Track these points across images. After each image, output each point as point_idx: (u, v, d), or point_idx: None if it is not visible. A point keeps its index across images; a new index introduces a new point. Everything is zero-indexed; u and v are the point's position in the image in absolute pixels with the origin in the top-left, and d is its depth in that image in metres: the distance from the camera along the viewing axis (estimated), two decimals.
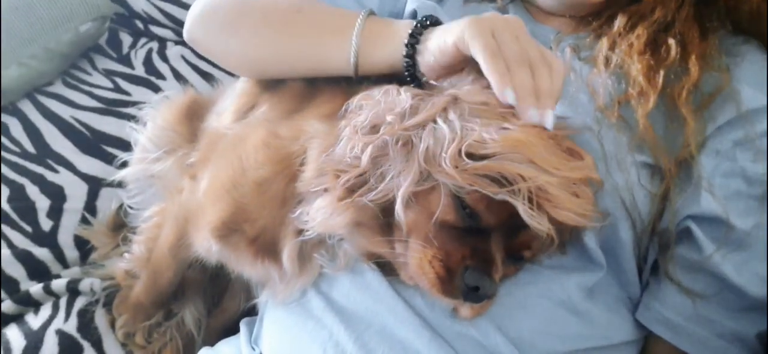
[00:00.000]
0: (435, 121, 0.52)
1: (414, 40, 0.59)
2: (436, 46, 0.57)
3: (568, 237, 0.56)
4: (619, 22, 0.63)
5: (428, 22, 0.61)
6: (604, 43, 0.62)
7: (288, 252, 0.59)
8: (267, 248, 0.60)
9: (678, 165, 0.58)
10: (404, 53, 0.59)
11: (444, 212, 0.50)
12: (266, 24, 0.67)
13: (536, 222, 0.47)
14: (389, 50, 0.61)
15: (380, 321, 0.56)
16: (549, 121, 0.51)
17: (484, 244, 0.50)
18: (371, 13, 0.64)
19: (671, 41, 0.59)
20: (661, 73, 0.58)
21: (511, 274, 0.55)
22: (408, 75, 0.61)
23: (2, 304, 0.83)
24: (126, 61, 1.23)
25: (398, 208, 0.50)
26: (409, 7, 0.75)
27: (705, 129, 0.58)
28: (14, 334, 0.79)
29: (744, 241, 0.58)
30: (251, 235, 0.60)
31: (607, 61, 0.61)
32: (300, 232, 0.57)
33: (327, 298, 0.59)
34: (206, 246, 0.64)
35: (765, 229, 0.58)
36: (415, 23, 0.61)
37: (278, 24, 0.66)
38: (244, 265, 0.63)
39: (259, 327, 0.67)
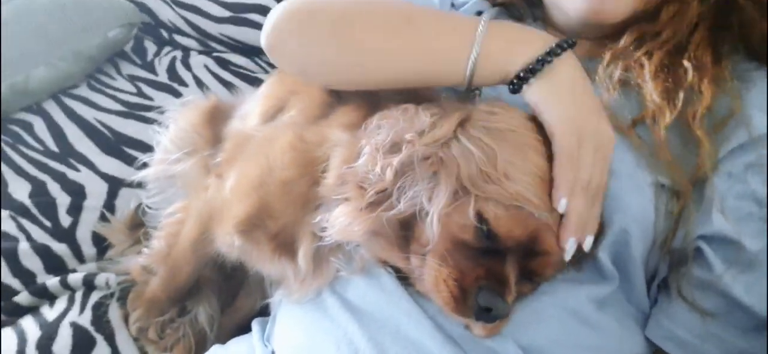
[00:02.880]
0: (457, 138, 0.53)
1: (539, 65, 0.56)
2: (537, 93, 0.56)
3: (584, 255, 0.57)
4: (627, 38, 0.64)
5: (566, 46, 0.57)
6: (616, 63, 0.63)
7: (303, 252, 0.60)
8: (286, 246, 0.62)
9: (693, 185, 0.59)
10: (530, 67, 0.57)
11: (462, 231, 0.51)
12: (373, 29, 0.62)
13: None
14: (523, 58, 0.57)
15: (394, 322, 0.57)
16: (587, 245, 0.54)
17: (499, 266, 0.51)
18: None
19: (687, 64, 0.60)
20: (681, 95, 0.59)
21: (527, 293, 0.56)
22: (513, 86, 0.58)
23: (19, 296, 0.85)
24: (150, 67, 1.26)
25: (432, 225, 0.51)
26: None
27: (718, 152, 0.59)
28: (30, 325, 0.80)
29: (754, 262, 0.58)
30: (273, 231, 0.62)
31: (621, 81, 0.62)
32: (318, 235, 0.59)
33: (342, 298, 0.60)
34: (229, 241, 0.65)
35: None
36: (553, 44, 0.57)
37: (387, 30, 0.62)
38: (263, 262, 0.64)
39: (272, 326, 0.68)
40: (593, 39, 0.72)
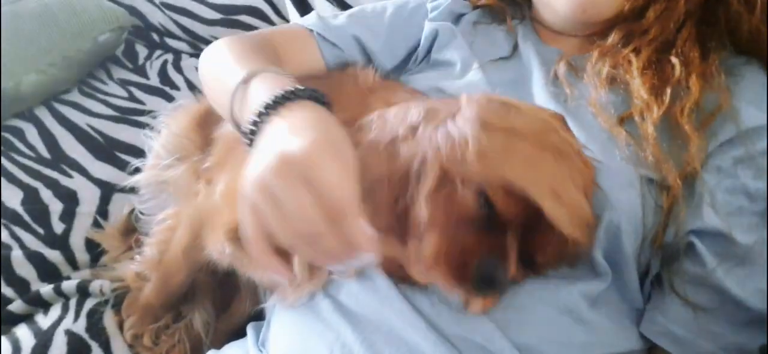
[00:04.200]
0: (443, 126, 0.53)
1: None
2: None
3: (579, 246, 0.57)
4: (615, 35, 0.65)
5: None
6: (604, 60, 0.64)
7: (297, 257, 0.60)
8: (278, 252, 0.61)
9: (683, 180, 0.59)
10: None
11: (461, 206, 0.50)
12: (210, 86, 0.74)
13: (558, 214, 0.48)
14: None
15: (388, 324, 0.57)
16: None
17: (500, 239, 0.51)
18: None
19: (674, 60, 0.61)
20: (668, 91, 0.60)
21: (519, 280, 0.56)
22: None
23: (13, 304, 0.85)
24: (141, 71, 1.26)
25: (419, 208, 0.51)
26: (427, 29, 0.77)
27: (707, 146, 0.59)
28: (24, 334, 0.80)
29: (746, 256, 0.59)
30: None
31: (609, 78, 0.63)
32: None
33: (335, 300, 0.60)
34: (220, 248, 0.65)
35: (766, 245, 0.59)
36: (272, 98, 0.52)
37: (213, 86, 0.71)
38: (255, 268, 0.64)
39: (266, 330, 0.68)
40: (582, 36, 0.72)
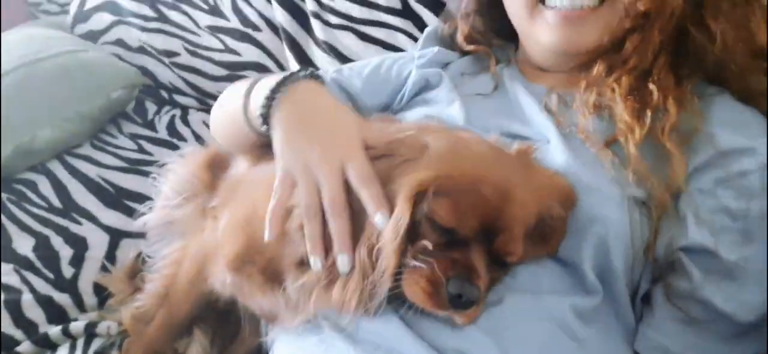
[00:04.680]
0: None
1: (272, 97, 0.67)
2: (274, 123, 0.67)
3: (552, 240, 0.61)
4: (599, 67, 0.70)
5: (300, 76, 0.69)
6: (591, 90, 0.68)
7: (291, 282, 0.63)
8: (275, 278, 0.64)
9: (669, 197, 0.62)
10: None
11: (422, 236, 0.55)
12: (217, 125, 0.88)
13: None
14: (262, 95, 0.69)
15: (387, 343, 0.58)
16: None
17: (464, 255, 0.54)
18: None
19: (652, 86, 0.65)
20: (648, 113, 0.64)
21: (499, 279, 0.59)
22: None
23: (21, 346, 0.86)
24: (150, 125, 1.32)
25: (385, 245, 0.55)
26: (416, 75, 0.83)
27: (687, 163, 0.63)
28: None
29: (732, 272, 0.61)
30: (261, 265, 0.65)
31: (595, 105, 0.67)
32: (302, 263, 0.62)
33: (335, 322, 0.62)
34: (222, 278, 0.69)
35: (753, 261, 0.61)
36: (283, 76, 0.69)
37: (219, 123, 0.86)
38: (255, 295, 0.67)
39: None
40: (568, 71, 0.77)
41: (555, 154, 0.66)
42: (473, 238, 0.55)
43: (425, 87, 0.84)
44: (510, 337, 0.57)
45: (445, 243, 0.55)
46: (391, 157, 0.60)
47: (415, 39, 1.05)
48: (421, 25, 1.03)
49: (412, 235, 0.55)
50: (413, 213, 0.55)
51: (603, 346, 0.61)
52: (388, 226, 0.55)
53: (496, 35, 0.87)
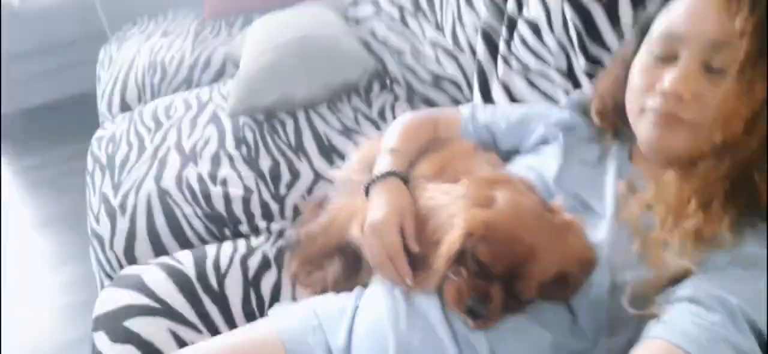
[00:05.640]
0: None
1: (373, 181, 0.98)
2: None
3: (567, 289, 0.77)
4: (670, 173, 0.80)
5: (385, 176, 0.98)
6: (651, 190, 0.81)
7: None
8: None
9: (669, 285, 0.72)
10: None
11: (464, 261, 0.78)
12: None
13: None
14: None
15: (424, 311, 0.83)
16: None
17: (486, 285, 0.76)
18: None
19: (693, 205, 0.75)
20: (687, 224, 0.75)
21: (517, 309, 0.78)
22: None
23: (241, 226, 1.33)
24: (368, 103, 1.69)
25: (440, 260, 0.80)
26: (541, 130, 1.02)
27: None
28: (241, 244, 1.26)
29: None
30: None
31: (648, 206, 0.79)
32: None
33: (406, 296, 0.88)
34: (356, 234, 0.99)
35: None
36: (377, 174, 0.98)
37: None
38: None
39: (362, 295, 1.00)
40: (663, 165, 0.88)
41: (601, 230, 0.81)
42: (498, 277, 0.76)
43: (544, 141, 1.03)
44: (503, 348, 0.78)
45: (477, 272, 0.77)
46: (467, 199, 0.83)
47: None
48: (578, 87, 1.18)
49: (458, 257, 0.79)
50: (463, 243, 0.78)
51: None
52: (444, 245, 0.80)
53: (620, 117, 1.00)
